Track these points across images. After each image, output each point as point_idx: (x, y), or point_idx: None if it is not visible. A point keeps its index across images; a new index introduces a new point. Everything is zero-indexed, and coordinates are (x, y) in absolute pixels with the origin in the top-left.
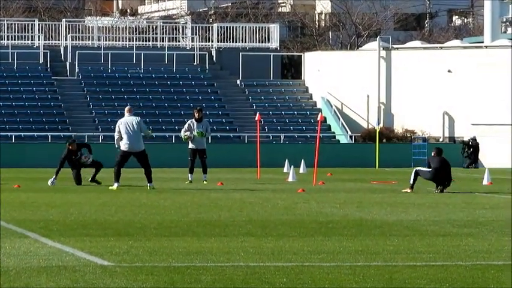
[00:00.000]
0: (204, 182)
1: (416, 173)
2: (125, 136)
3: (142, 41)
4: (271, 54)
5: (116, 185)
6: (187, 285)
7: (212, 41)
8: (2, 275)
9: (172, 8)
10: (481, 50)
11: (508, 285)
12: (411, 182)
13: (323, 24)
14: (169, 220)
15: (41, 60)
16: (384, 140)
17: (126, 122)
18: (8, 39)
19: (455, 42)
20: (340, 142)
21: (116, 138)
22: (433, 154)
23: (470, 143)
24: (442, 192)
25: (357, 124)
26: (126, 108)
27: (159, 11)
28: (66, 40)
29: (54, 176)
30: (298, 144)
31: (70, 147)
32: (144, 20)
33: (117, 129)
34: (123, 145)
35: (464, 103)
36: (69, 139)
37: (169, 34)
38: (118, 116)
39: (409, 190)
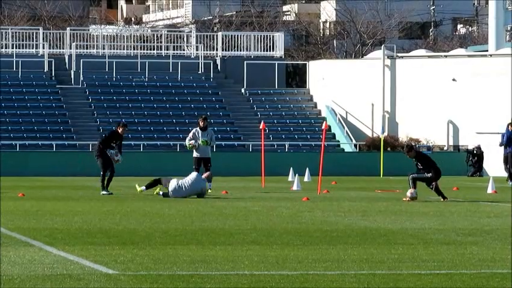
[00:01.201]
0: (209, 191)
1: (414, 180)
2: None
3: (147, 49)
4: (276, 62)
5: (143, 188)
6: None
7: (217, 50)
8: (7, 283)
9: (177, 17)
10: (486, 59)
11: None
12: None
13: (328, 33)
14: (173, 228)
15: (46, 69)
16: (389, 149)
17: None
18: (12, 48)
19: (460, 51)
20: (345, 151)
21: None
22: (408, 153)
23: (475, 152)
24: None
25: (361, 133)
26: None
27: (163, 19)
28: (70, 48)
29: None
30: (302, 153)
31: (119, 129)
32: (148, 28)
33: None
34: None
35: (468, 112)
36: (121, 122)
37: (173, 43)
38: None
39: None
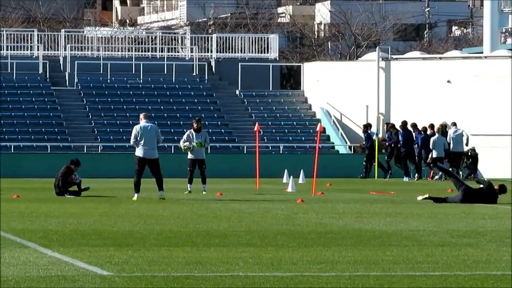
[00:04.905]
0: (203, 193)
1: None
2: (141, 143)
3: (142, 51)
4: (270, 64)
5: (136, 196)
6: None
7: (211, 52)
8: (2, 284)
9: (172, 19)
10: (481, 61)
11: None
12: (434, 197)
13: (322, 35)
14: (168, 230)
15: (40, 71)
16: (383, 151)
17: (146, 131)
18: (7, 50)
19: (455, 53)
20: (340, 152)
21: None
22: (497, 187)
23: (470, 154)
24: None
25: (356, 134)
26: (143, 114)
27: (158, 21)
28: (65, 50)
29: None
30: (297, 155)
31: (72, 167)
32: (143, 30)
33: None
34: (138, 151)
35: (463, 114)
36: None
37: (168, 44)
38: (117, 126)
39: (427, 197)
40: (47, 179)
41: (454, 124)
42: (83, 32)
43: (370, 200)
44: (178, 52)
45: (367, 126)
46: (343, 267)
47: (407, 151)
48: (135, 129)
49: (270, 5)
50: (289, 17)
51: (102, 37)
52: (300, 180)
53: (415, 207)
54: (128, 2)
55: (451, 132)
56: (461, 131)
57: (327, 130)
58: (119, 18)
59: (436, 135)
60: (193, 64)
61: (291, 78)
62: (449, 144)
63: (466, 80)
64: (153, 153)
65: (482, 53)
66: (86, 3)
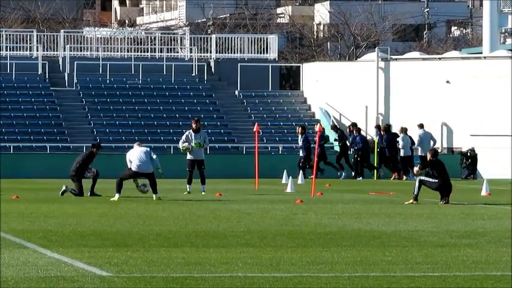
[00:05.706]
0: (202, 193)
1: (421, 183)
2: (135, 161)
3: (141, 51)
4: (270, 65)
5: (117, 196)
6: None
7: (210, 52)
8: (1, 285)
9: (171, 19)
10: (480, 61)
11: None
12: (415, 192)
13: (321, 35)
14: (167, 231)
15: (40, 71)
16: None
17: (137, 153)
18: (6, 50)
19: (454, 53)
20: None
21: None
22: (429, 157)
23: (469, 154)
24: (448, 203)
25: None
26: (136, 143)
27: (157, 21)
28: (64, 51)
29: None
30: (296, 155)
31: (94, 150)
32: (142, 30)
33: (128, 158)
34: (133, 166)
35: (462, 114)
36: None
37: (167, 45)
38: (116, 126)
39: (413, 201)
40: (46, 179)
41: (421, 126)
42: (82, 32)
43: (369, 201)
44: (177, 52)
45: (353, 126)
46: (342, 268)
47: (363, 154)
48: (128, 154)
49: (269, 5)
50: (288, 17)
51: (101, 37)
52: (299, 181)
53: (414, 207)
54: (127, 2)
55: (417, 134)
56: (429, 134)
57: (326, 130)
58: (118, 18)
59: (401, 135)
60: (192, 64)
61: (290, 79)
62: (415, 145)
63: (465, 80)
64: (147, 167)
65: (481, 53)
66: (85, 4)
